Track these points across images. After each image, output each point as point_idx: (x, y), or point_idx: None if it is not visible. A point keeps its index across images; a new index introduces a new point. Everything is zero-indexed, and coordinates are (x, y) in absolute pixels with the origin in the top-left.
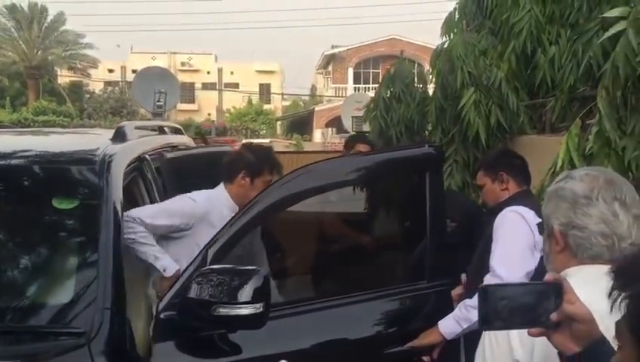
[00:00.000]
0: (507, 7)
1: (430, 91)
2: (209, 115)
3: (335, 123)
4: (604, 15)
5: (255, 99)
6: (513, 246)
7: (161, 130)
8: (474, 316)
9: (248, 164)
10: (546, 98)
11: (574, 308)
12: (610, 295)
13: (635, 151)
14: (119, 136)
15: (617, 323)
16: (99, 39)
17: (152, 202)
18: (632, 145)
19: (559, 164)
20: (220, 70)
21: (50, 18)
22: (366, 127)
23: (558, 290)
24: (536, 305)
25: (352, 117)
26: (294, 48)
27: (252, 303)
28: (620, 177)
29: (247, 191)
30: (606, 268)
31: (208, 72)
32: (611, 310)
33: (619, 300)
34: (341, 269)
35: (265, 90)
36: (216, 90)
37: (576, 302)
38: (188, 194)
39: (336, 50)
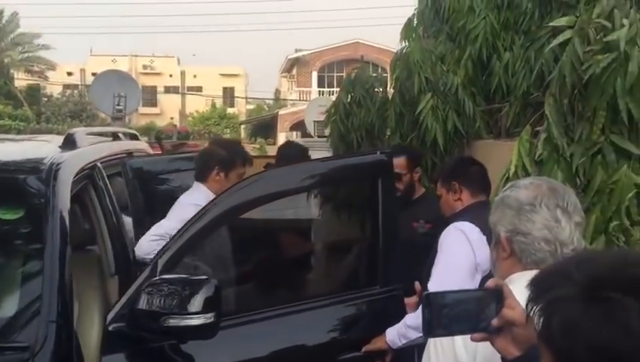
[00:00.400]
0: (463, 14)
1: (390, 96)
2: (172, 118)
3: (299, 127)
4: (552, 24)
5: (219, 102)
6: (451, 269)
7: (115, 137)
8: (412, 335)
9: (220, 159)
10: (502, 103)
11: (514, 313)
12: (525, 307)
13: (583, 158)
14: (69, 144)
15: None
16: (57, 41)
17: (104, 211)
18: (579, 151)
19: (512, 170)
20: (182, 73)
21: (5, 19)
22: (327, 132)
23: (498, 296)
24: (478, 311)
25: (314, 121)
26: (258, 52)
27: (203, 313)
28: (563, 186)
29: (224, 186)
30: None
31: (171, 75)
32: (527, 322)
33: (532, 313)
34: (294, 276)
35: (229, 94)
36: (179, 93)
37: (516, 307)
38: (184, 201)
39: (300, 54)
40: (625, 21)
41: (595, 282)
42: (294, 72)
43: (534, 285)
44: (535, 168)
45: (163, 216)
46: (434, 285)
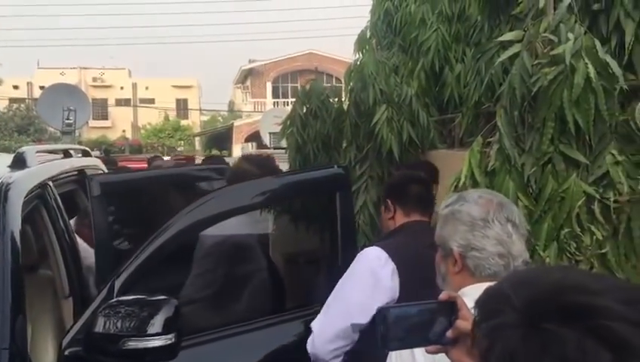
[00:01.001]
0: (415, 26)
1: (346, 107)
2: (124, 131)
3: (255, 138)
4: (501, 39)
5: (172, 114)
6: (341, 300)
7: (66, 154)
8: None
9: (254, 177)
10: (454, 114)
11: (468, 325)
12: (472, 329)
13: (534, 168)
14: (19, 163)
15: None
16: (1, 55)
17: (56, 232)
18: (530, 161)
19: (462, 180)
20: (134, 85)
21: None
22: (284, 143)
23: (452, 308)
24: (432, 323)
25: (270, 133)
26: (212, 63)
27: (163, 334)
28: (507, 199)
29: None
30: None
31: (122, 88)
32: (472, 345)
33: (478, 336)
34: (253, 293)
35: (182, 106)
36: (130, 106)
37: (470, 319)
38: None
39: (253, 65)
40: (570, 35)
41: (533, 309)
42: (248, 82)
43: (479, 307)
44: (485, 179)
45: (133, 240)
46: (317, 319)
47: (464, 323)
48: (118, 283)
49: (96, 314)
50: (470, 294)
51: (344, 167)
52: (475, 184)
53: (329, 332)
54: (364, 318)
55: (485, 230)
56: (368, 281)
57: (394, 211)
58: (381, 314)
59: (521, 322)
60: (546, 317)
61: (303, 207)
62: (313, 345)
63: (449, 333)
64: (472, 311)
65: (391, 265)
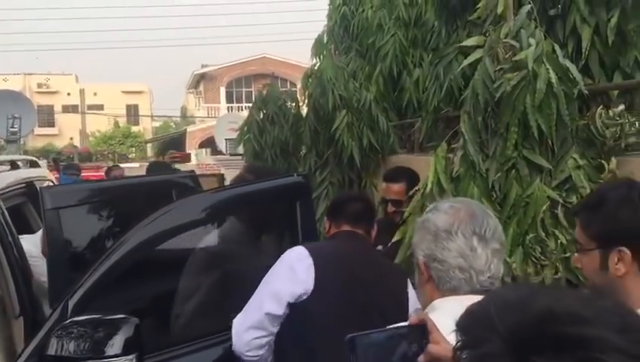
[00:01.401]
0: (372, 31)
1: (303, 112)
2: (71, 139)
3: (209, 144)
4: (462, 44)
5: (122, 121)
6: (257, 293)
7: (13, 165)
8: None
9: None
10: (413, 118)
11: (439, 348)
12: (454, 351)
13: (498, 173)
14: None
15: None
16: None
17: (4, 248)
18: (494, 167)
19: (428, 186)
20: (82, 91)
21: None
22: (241, 150)
23: (423, 331)
24: (404, 348)
25: (226, 139)
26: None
27: (123, 355)
28: (484, 210)
29: None
30: (467, 299)
31: (69, 94)
32: (453, 359)
33: (461, 359)
34: (207, 307)
35: (133, 112)
36: (78, 112)
37: (440, 342)
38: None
39: (206, 70)
40: (531, 40)
41: (520, 339)
42: (201, 87)
43: (461, 332)
44: (451, 185)
45: (90, 256)
46: (238, 315)
47: (436, 347)
48: (71, 303)
49: (50, 336)
50: (439, 309)
51: (304, 175)
52: (442, 190)
53: (245, 323)
54: (277, 308)
55: (447, 242)
56: (284, 273)
57: (329, 228)
58: (350, 343)
59: (508, 353)
60: (535, 349)
61: (264, 216)
62: (233, 339)
63: (421, 358)
64: (447, 329)
65: (309, 261)
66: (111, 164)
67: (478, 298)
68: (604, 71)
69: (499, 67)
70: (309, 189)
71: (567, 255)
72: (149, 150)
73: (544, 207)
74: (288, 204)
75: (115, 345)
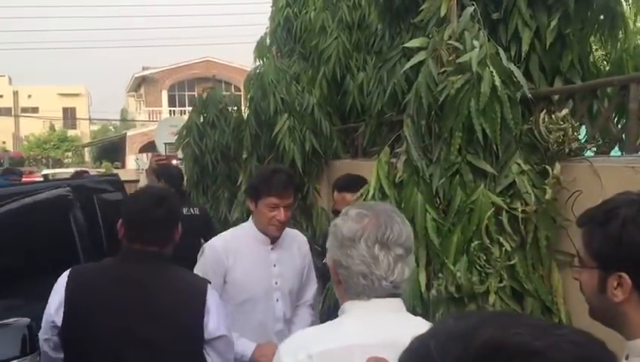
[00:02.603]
0: (315, 34)
1: (245, 116)
2: (4, 143)
3: (150, 148)
4: (405, 45)
5: (58, 124)
6: None
7: None
8: None
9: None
10: (357, 123)
11: None
12: None
13: (442, 179)
14: None
15: None
16: None
17: None
18: (438, 172)
19: (370, 192)
20: (15, 93)
21: None
22: (180, 154)
23: None
24: None
25: (165, 143)
26: (102, 70)
27: (23, 356)
28: (392, 215)
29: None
30: (372, 303)
31: (1, 96)
32: None
33: None
34: None
35: (69, 115)
36: (11, 115)
37: None
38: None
39: (147, 72)
40: (475, 42)
41: None
42: (142, 90)
43: None
44: (394, 190)
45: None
46: None
47: None
48: None
49: None
50: (349, 312)
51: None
52: (384, 196)
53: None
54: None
55: (351, 250)
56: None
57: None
58: None
59: None
60: None
61: (34, 228)
62: None
63: None
64: (353, 331)
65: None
66: (44, 169)
67: (382, 301)
68: (544, 75)
69: (442, 70)
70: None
71: (512, 262)
72: (87, 155)
73: (488, 214)
74: (62, 214)
75: (14, 347)
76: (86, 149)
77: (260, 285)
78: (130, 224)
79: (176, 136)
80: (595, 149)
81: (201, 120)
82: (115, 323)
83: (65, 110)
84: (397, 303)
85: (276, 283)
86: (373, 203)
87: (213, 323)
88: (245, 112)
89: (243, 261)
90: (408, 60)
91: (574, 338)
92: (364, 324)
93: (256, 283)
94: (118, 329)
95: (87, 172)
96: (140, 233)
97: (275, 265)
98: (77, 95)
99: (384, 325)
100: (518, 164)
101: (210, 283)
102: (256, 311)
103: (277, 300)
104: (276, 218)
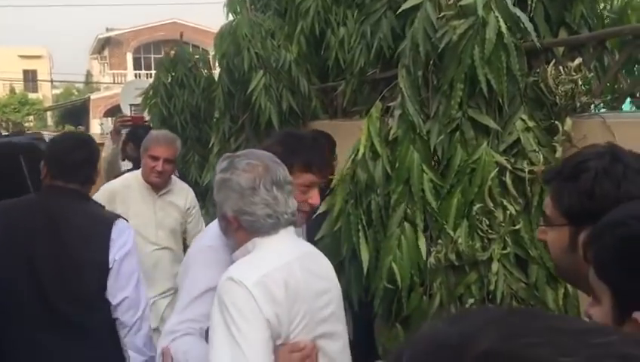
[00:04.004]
0: None
1: (216, 76)
2: None
3: (114, 112)
4: None
5: (19, 87)
6: None
7: None
8: None
9: None
10: (337, 82)
11: None
12: None
13: (440, 136)
14: None
15: None
16: None
17: None
18: (436, 129)
19: (361, 150)
20: None
21: None
22: (147, 116)
23: None
24: None
25: (130, 105)
26: (64, 30)
27: None
28: (274, 159)
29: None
30: (280, 234)
31: None
32: None
33: None
34: None
35: (30, 77)
36: None
37: None
38: None
39: (111, 34)
40: None
41: None
42: (106, 53)
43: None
44: (386, 148)
45: None
46: None
47: None
48: None
49: None
50: (260, 244)
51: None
52: (376, 155)
53: None
54: None
55: (253, 197)
56: None
57: None
58: None
59: None
60: None
61: None
62: None
63: None
64: (271, 262)
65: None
66: (4, 133)
67: (286, 230)
68: (550, 26)
69: (442, 14)
70: None
71: (517, 227)
72: (49, 119)
73: (492, 174)
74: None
75: None
76: (48, 113)
77: None
78: (54, 163)
79: (139, 98)
80: (602, 105)
81: (169, 79)
82: (19, 252)
83: (25, 72)
84: (293, 229)
85: None
86: (245, 151)
87: (119, 255)
88: (216, 72)
89: None
90: (395, 13)
91: (625, 350)
92: (283, 247)
93: None
94: (21, 256)
95: (42, 136)
96: (62, 171)
97: None
98: (38, 57)
99: (297, 244)
100: (523, 120)
101: (126, 220)
102: None
103: None
104: None
